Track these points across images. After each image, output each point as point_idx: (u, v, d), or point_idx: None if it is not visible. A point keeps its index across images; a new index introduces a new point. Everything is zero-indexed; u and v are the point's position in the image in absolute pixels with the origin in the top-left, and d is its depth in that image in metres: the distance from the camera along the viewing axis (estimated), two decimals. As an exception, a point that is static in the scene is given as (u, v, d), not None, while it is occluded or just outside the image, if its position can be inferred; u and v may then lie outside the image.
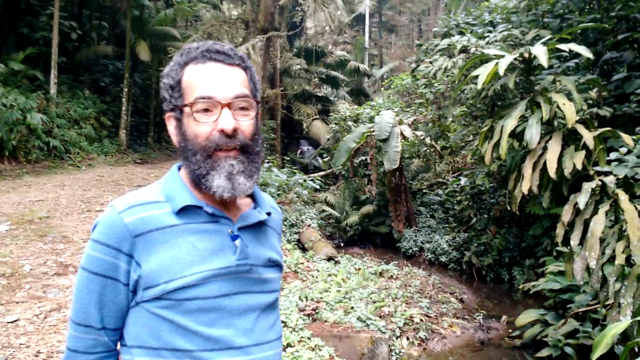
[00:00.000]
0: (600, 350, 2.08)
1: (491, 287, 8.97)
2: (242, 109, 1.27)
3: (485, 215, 10.08)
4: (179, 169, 1.37)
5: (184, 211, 1.26)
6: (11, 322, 4.57)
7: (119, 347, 1.30)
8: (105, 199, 10.53)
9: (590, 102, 7.28)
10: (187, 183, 1.31)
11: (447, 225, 11.77)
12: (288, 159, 18.38)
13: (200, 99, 1.23)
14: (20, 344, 4.20)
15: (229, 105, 1.24)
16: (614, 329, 2.06)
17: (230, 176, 1.24)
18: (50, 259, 6.42)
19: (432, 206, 13.03)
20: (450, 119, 10.80)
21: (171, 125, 1.32)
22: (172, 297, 1.18)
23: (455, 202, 12.09)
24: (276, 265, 1.39)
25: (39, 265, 6.15)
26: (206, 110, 1.24)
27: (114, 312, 1.24)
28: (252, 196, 1.42)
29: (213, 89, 1.24)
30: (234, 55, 1.28)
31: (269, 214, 1.40)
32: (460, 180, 11.40)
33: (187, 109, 1.26)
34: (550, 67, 8.24)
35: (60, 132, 14.92)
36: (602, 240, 4.01)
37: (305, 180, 13.29)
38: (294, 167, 15.11)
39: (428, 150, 13.10)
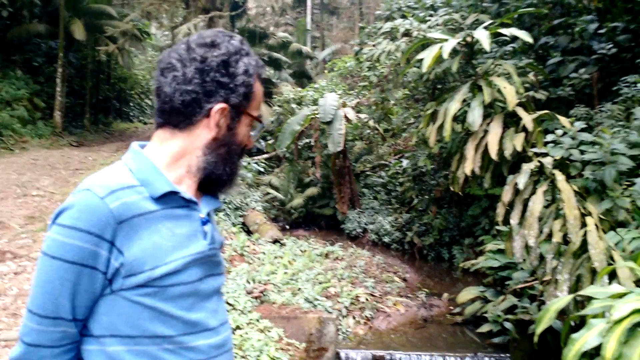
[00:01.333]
0: (544, 324, 2.20)
1: (432, 266, 9.22)
2: None
3: (427, 197, 10.31)
4: (143, 148, 1.32)
5: (161, 197, 1.23)
6: (-54, 313, 4.39)
7: None
8: (41, 183, 10.15)
9: (527, 85, 7.55)
10: (159, 166, 1.27)
11: (389, 206, 11.96)
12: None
13: (260, 117, 1.38)
14: (-43, 334, 4.05)
15: None
16: (556, 304, 2.17)
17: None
18: (-15, 246, 6.18)
19: (375, 188, 13.20)
20: (393, 102, 10.95)
21: (221, 117, 1.29)
22: (156, 284, 1.16)
23: (397, 183, 12.30)
24: (221, 246, 1.43)
25: (-27, 253, 5.90)
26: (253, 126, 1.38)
27: (86, 302, 1.18)
28: None
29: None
30: None
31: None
32: (402, 162, 11.61)
33: (250, 117, 1.35)
34: (491, 51, 8.48)
35: (-10, 114, 14.26)
36: (540, 219, 4.19)
37: (249, 163, 13.20)
38: (237, 150, 14.95)
39: (371, 133, 13.23)
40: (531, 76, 7.09)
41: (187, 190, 1.29)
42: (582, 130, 5.43)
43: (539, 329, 2.25)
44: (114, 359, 1.17)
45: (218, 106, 1.26)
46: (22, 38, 18.09)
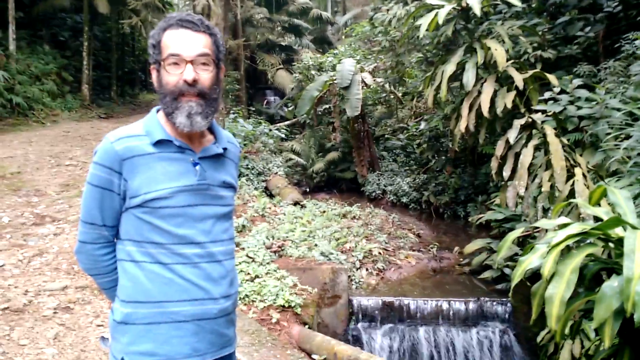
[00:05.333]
0: (503, 251, 2.57)
1: (448, 224, 9.57)
2: (203, 64, 1.68)
3: (443, 157, 10.61)
4: (157, 111, 1.79)
5: (159, 143, 1.70)
6: (-3, 268, 4.93)
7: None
8: (73, 153, 10.70)
9: (536, 45, 7.74)
10: (162, 122, 1.75)
11: (408, 168, 12.28)
12: (254, 109, 18.50)
13: (171, 56, 1.66)
14: (9, 284, 4.56)
15: (192, 62, 1.66)
16: (512, 234, 2.54)
17: (190, 115, 1.67)
18: (27, 211, 6.72)
19: (394, 151, 13.51)
20: (408, 66, 11.17)
21: (154, 75, 1.74)
22: (149, 205, 1.66)
23: (415, 145, 12.60)
24: (230, 186, 1.84)
25: (16, 217, 6.45)
26: (175, 64, 1.66)
27: (110, 214, 1.72)
28: (214, 134, 1.85)
29: (181, 49, 1.66)
30: (201, 24, 1.70)
31: (225, 149, 1.83)
32: (420, 124, 11.87)
33: (162, 63, 1.68)
34: (499, 12, 8.65)
35: (22, 89, 14.79)
36: (531, 171, 4.51)
37: (271, 130, 13.60)
38: (260, 118, 15.34)
39: (388, 97, 13.47)
40: (539, 36, 7.27)
41: (180, 137, 1.73)
42: (581, 87, 5.68)
43: (500, 255, 2.61)
44: (129, 254, 1.72)
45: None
46: (48, 13, 18.55)
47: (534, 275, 3.56)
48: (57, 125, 14.59)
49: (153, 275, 1.67)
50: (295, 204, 9.35)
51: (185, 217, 1.69)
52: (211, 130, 1.85)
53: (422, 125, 11.48)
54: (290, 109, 17.05)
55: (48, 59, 17.18)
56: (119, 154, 1.66)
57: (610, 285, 1.98)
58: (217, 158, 1.80)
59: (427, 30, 4.68)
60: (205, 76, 1.68)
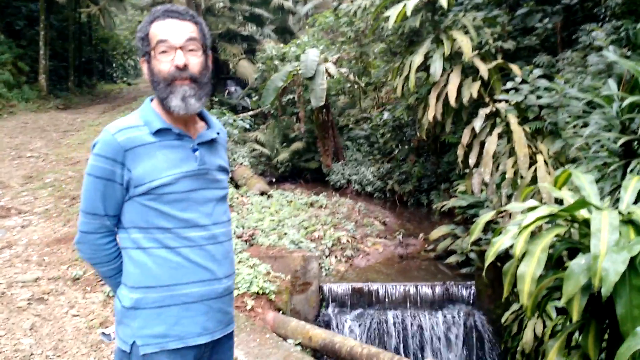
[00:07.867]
0: (475, 234, 2.70)
1: (412, 212, 9.77)
2: (192, 50, 1.77)
3: (406, 146, 10.80)
4: (151, 100, 1.85)
5: (159, 132, 1.76)
6: (-35, 261, 4.85)
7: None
8: (34, 145, 10.50)
9: (495, 36, 7.94)
10: (157, 111, 1.81)
11: (372, 157, 12.42)
12: (216, 99, 18.37)
13: (160, 42, 1.74)
14: (-21, 278, 4.52)
15: (181, 48, 1.74)
16: (484, 218, 2.67)
17: (184, 98, 1.74)
18: (-10, 204, 6.61)
19: (358, 140, 13.63)
20: (373, 56, 11.30)
21: (144, 67, 1.81)
22: (154, 192, 1.72)
23: (379, 135, 12.76)
24: (224, 170, 1.94)
25: (-20, 210, 6.33)
26: (165, 52, 1.74)
27: (113, 204, 1.77)
28: (206, 121, 1.94)
29: (169, 35, 1.74)
30: (186, 13, 1.79)
31: (218, 133, 1.92)
32: (383, 114, 12.03)
33: (152, 52, 1.76)
34: (461, 3, 8.84)
35: (-23, 80, 14.40)
36: (496, 158, 4.68)
37: (235, 120, 13.56)
38: (223, 108, 15.25)
39: (352, 87, 13.58)
40: (499, 27, 7.47)
41: (178, 125, 1.80)
42: (541, 77, 5.89)
43: (472, 237, 2.76)
44: (135, 242, 1.77)
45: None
46: (2, 2, 18.02)
47: (500, 258, 3.75)
48: (15, 117, 14.24)
49: (161, 260, 1.74)
50: (262, 194, 9.40)
51: (188, 202, 1.76)
52: (201, 117, 1.94)
53: (386, 115, 11.63)
54: (254, 99, 17.00)
55: (3, 49, 16.71)
56: (122, 145, 1.71)
57: (578, 262, 2.12)
58: (211, 143, 1.89)
59: (394, 21, 4.79)
60: (195, 61, 1.77)
